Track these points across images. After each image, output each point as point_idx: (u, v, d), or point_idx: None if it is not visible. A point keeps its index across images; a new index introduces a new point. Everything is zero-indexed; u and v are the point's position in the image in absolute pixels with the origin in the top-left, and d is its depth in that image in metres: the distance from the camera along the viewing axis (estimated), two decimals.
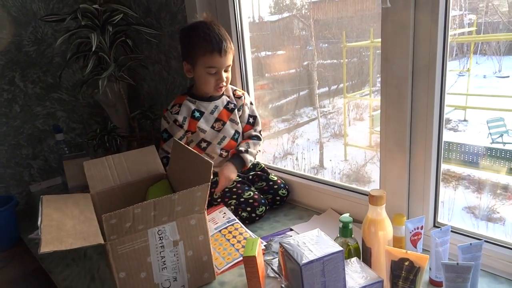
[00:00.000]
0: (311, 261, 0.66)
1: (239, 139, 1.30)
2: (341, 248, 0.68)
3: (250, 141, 1.28)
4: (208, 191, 0.85)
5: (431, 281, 0.83)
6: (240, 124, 1.29)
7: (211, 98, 1.25)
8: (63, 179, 1.66)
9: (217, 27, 1.17)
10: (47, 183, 1.74)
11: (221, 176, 1.18)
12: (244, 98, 1.30)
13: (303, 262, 0.65)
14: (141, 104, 1.86)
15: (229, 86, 1.29)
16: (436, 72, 0.86)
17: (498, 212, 2.79)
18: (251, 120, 1.31)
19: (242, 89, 1.40)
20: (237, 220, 1.09)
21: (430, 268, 0.82)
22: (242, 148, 1.24)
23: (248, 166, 1.25)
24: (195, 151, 0.96)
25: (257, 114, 1.33)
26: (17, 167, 1.67)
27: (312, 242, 0.71)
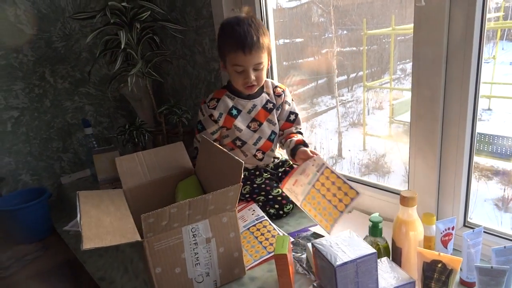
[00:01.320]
0: (345, 263, 0.67)
1: (275, 140, 1.27)
2: (374, 250, 0.69)
3: (300, 136, 1.22)
4: (240, 190, 0.87)
5: (462, 282, 0.83)
6: (277, 124, 1.25)
7: (250, 96, 1.21)
8: (92, 171, 1.71)
9: (250, 23, 1.11)
10: (77, 175, 1.80)
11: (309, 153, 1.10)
12: (285, 95, 1.25)
13: (337, 263, 0.67)
14: (165, 98, 1.89)
15: (270, 82, 1.25)
16: (471, 67, 0.84)
17: None
18: (291, 117, 1.25)
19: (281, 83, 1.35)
20: (266, 217, 1.11)
21: (461, 269, 0.83)
22: (304, 139, 1.18)
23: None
24: (224, 149, 0.98)
25: (298, 112, 1.27)
26: (49, 160, 1.73)
27: (344, 243, 0.72)
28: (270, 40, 1.16)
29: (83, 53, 1.73)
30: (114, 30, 1.40)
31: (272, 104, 1.23)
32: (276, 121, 1.25)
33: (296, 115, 1.27)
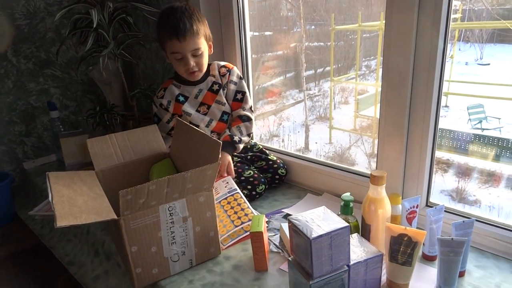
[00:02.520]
0: (320, 235, 0.70)
1: (229, 120, 1.29)
2: (347, 224, 0.73)
3: (242, 125, 1.25)
4: (217, 170, 0.88)
5: (424, 256, 0.89)
6: (227, 104, 1.27)
7: (195, 82, 1.23)
8: (58, 156, 1.66)
9: (183, 10, 1.13)
10: (41, 160, 1.73)
11: (225, 168, 1.16)
12: (229, 74, 1.25)
13: (313, 236, 0.70)
14: (136, 83, 1.85)
15: (216, 64, 1.26)
16: (437, 59, 0.90)
17: (474, 195, 2.93)
18: (238, 96, 1.26)
19: (239, 69, 1.38)
20: (238, 190, 1.11)
21: (424, 244, 0.89)
22: (236, 138, 1.22)
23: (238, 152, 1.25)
24: (201, 131, 0.99)
25: (246, 90, 1.28)
26: (10, 144, 1.65)
27: (319, 218, 0.75)
28: (207, 26, 1.18)
29: (49, 32, 1.66)
30: (84, 9, 1.35)
31: (217, 85, 1.25)
32: (225, 101, 1.27)
33: (243, 93, 1.27)
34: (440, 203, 1.02)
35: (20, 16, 1.58)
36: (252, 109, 1.30)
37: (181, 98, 1.24)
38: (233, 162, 1.24)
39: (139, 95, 1.43)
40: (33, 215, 1.24)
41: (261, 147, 1.34)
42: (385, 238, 0.81)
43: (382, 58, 0.98)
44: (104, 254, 1.10)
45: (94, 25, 1.23)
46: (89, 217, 0.79)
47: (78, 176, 1.00)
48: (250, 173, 1.20)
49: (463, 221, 0.81)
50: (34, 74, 1.66)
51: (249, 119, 1.26)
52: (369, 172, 1.16)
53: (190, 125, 1.04)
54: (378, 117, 1.04)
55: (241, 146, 1.24)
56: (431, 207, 1.03)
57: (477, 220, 0.93)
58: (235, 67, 1.28)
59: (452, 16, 0.89)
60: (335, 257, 0.73)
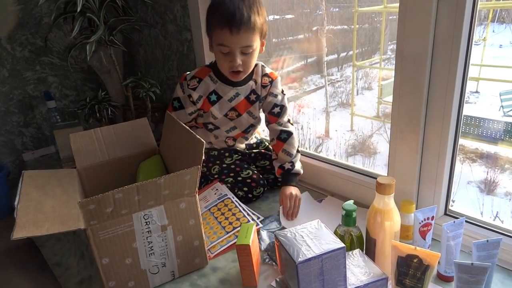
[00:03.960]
0: (309, 259, 0.59)
1: (252, 132, 1.15)
2: (342, 245, 0.61)
3: (286, 146, 1.07)
4: (199, 173, 0.77)
5: (440, 276, 0.76)
6: (259, 118, 1.13)
7: (235, 83, 1.06)
8: (56, 148, 1.60)
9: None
10: (41, 152, 1.68)
11: (287, 203, 1.00)
12: (271, 86, 1.09)
13: (299, 260, 0.58)
14: (137, 70, 1.76)
15: (260, 67, 1.10)
16: (461, 43, 0.75)
17: (504, 187, 2.72)
18: (276, 110, 1.09)
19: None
20: (229, 196, 1.02)
21: (439, 263, 0.76)
22: (288, 166, 1.05)
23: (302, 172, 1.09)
24: (187, 127, 0.88)
25: (285, 104, 1.11)
26: (8, 135, 1.61)
27: (310, 235, 0.64)
28: (266, 21, 1.00)
29: (45, 18, 1.58)
30: None
31: (255, 96, 1.09)
32: (257, 115, 1.12)
33: (282, 107, 1.10)
34: (462, 212, 0.88)
35: (13, 1, 1.50)
36: (291, 121, 1.12)
37: (213, 97, 1.07)
38: (232, 160, 1.13)
39: (133, 84, 1.33)
40: None
41: (267, 144, 1.22)
42: (391, 258, 0.69)
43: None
44: (88, 258, 1.03)
45: (78, 9, 1.13)
46: (52, 226, 0.71)
47: (55, 176, 0.92)
48: (248, 173, 1.09)
49: (487, 241, 0.67)
50: (31, 62, 1.59)
51: (289, 135, 1.08)
52: (378, 173, 1.03)
53: (178, 121, 0.94)
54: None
55: (298, 166, 1.07)
56: (451, 216, 0.89)
57: (505, 235, 0.79)
58: (278, 78, 1.11)
59: None
60: (328, 282, 0.62)
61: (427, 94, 0.82)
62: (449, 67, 0.77)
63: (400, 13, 0.80)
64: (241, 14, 0.92)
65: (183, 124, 0.90)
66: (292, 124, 1.11)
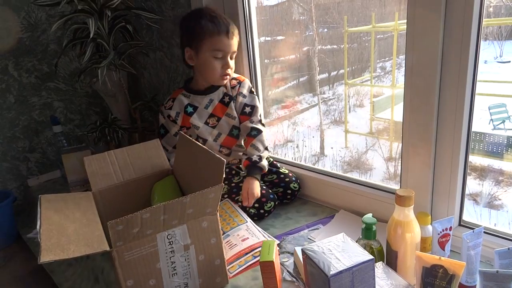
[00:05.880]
0: (340, 272, 0.60)
1: (240, 135, 1.21)
2: (371, 257, 0.62)
3: (255, 141, 1.14)
4: (221, 192, 0.79)
5: (461, 286, 0.77)
6: (237, 118, 1.19)
7: (206, 92, 1.17)
8: (62, 172, 1.59)
9: (220, 13, 1.12)
10: (46, 176, 1.67)
11: (246, 194, 1.06)
12: (239, 87, 1.18)
13: (331, 273, 0.59)
14: (142, 93, 1.78)
15: None
16: (469, 58, 0.79)
17: (500, 199, 2.75)
18: (247, 109, 1.18)
19: (247, 76, 1.30)
20: (226, 199, 1.09)
21: None
22: (254, 157, 1.10)
23: (267, 170, 1.14)
24: (203, 146, 0.90)
25: (256, 104, 1.19)
26: (14, 161, 1.60)
27: (338, 248, 0.65)
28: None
29: (51, 44, 1.61)
30: (83, 19, 1.29)
31: (228, 97, 1.18)
32: (236, 115, 1.19)
33: (253, 107, 1.18)
34: (477, 222, 0.90)
35: (21, 28, 1.53)
36: (262, 122, 1.20)
37: (190, 109, 1.18)
38: (239, 178, 1.15)
39: (142, 107, 1.35)
40: (31, 237, 1.17)
41: (271, 160, 1.24)
42: (415, 269, 0.70)
43: (402, 60, 0.87)
44: (104, 282, 1.02)
45: (91, 35, 1.16)
46: (78, 249, 0.71)
47: (72, 199, 0.92)
48: None
49: (509, 248, 0.69)
50: (37, 87, 1.61)
51: (259, 132, 1.16)
52: (390, 187, 1.06)
53: (193, 140, 0.95)
54: (399, 121, 0.93)
55: (265, 162, 1.12)
56: (465, 226, 0.91)
57: None
58: (246, 80, 1.21)
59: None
60: None
61: (438, 108, 0.85)
62: (458, 82, 0.81)
63: (408, 30, 0.84)
64: (231, 23, 1.10)
65: (199, 144, 0.92)
66: (263, 125, 1.19)
